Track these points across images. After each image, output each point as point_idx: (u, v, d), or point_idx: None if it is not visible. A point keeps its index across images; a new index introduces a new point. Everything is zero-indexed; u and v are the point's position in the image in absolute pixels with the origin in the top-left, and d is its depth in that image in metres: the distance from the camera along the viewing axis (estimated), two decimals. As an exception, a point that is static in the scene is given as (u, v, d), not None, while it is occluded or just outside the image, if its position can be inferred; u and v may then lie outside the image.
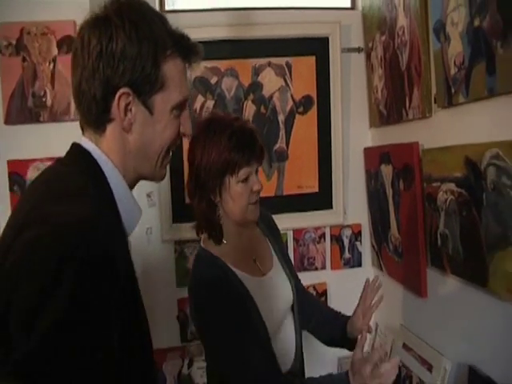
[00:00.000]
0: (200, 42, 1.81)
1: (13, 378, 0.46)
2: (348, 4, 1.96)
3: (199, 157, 0.99)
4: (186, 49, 0.68)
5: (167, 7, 1.95)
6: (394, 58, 1.61)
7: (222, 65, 1.83)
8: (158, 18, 0.66)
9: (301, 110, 1.92)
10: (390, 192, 1.73)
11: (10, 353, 0.47)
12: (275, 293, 1.09)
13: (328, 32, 1.82)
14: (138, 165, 0.69)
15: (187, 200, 1.44)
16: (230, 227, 1.07)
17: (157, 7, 1.91)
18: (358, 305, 1.23)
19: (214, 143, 0.97)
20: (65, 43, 1.64)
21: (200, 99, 1.84)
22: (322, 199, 1.98)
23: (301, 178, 1.97)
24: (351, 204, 2.01)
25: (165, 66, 0.64)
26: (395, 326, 1.71)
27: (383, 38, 1.68)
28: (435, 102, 1.38)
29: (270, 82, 1.88)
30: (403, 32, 1.50)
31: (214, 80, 1.84)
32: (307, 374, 1.19)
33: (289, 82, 1.89)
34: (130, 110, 0.64)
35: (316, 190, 1.98)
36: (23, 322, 0.48)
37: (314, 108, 1.92)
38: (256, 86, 1.88)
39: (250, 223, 1.11)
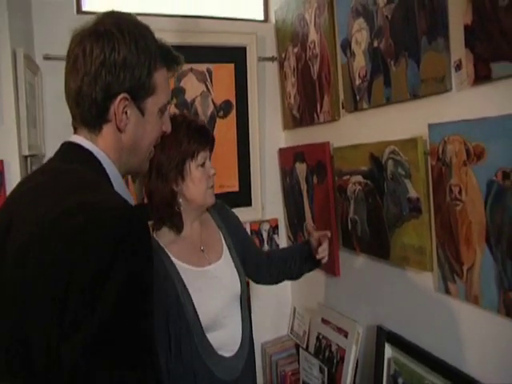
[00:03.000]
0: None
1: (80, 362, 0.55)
2: (261, 17, 2.19)
3: (159, 151, 1.07)
4: (171, 60, 0.81)
5: (84, 8, 1.99)
6: (305, 67, 1.87)
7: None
8: (149, 32, 0.78)
9: (221, 114, 2.09)
10: (304, 187, 1.99)
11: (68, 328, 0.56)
12: (219, 283, 1.19)
13: (246, 42, 2.03)
14: (128, 160, 0.79)
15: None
16: (187, 216, 1.19)
17: (74, 7, 1.93)
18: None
19: (173, 137, 1.07)
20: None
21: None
22: (242, 197, 2.16)
23: (222, 178, 2.12)
24: (268, 200, 2.24)
25: (155, 74, 0.76)
26: (314, 305, 1.97)
27: (296, 49, 1.93)
28: (343, 108, 1.66)
29: (192, 87, 2.02)
30: (314, 46, 1.77)
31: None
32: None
33: (210, 87, 2.05)
34: (126, 112, 0.73)
35: (236, 188, 2.17)
36: (85, 300, 0.56)
37: (233, 112, 2.11)
38: (179, 91, 2.00)
39: (207, 207, 1.24)
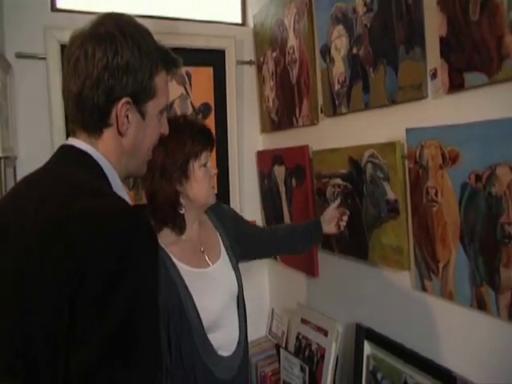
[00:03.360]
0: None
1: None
2: (239, 20, 2.24)
3: (163, 153, 1.13)
4: (170, 63, 0.82)
5: (58, 5, 1.97)
6: (284, 72, 1.92)
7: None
8: (149, 35, 0.79)
9: (200, 116, 2.12)
10: (282, 189, 2.05)
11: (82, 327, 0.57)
12: (218, 283, 1.23)
13: (225, 45, 2.07)
14: (128, 164, 0.80)
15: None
16: (189, 216, 1.22)
17: (48, 4, 1.92)
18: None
19: (177, 138, 1.13)
20: None
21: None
22: (220, 200, 2.18)
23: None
24: (246, 202, 2.28)
25: (156, 77, 0.77)
26: (293, 306, 2.02)
27: (274, 54, 1.99)
28: (322, 112, 1.72)
29: (171, 89, 2.01)
30: (293, 51, 1.83)
31: (115, 84, 1.93)
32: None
33: (189, 90, 2.08)
34: (127, 116, 0.74)
35: (215, 191, 2.19)
36: (98, 303, 0.57)
37: (212, 115, 2.14)
38: (157, 93, 2.01)
39: (207, 207, 1.29)
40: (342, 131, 1.63)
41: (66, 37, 1.81)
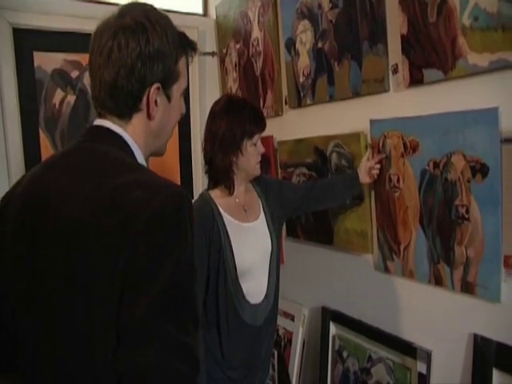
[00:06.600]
0: (59, 33, 1.87)
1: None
2: (200, 11, 2.29)
3: (224, 127, 1.34)
4: (189, 47, 0.87)
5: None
6: (248, 64, 2.01)
7: (84, 58, 1.92)
8: (171, 22, 0.84)
9: (162, 106, 2.15)
10: (247, 180, 2.13)
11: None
12: (254, 238, 1.43)
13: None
14: (153, 144, 0.86)
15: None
16: (237, 181, 1.42)
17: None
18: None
19: (236, 117, 1.35)
20: None
21: (59, 94, 1.90)
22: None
23: (163, 175, 2.19)
24: (209, 194, 2.34)
25: (179, 61, 0.83)
26: (258, 294, 2.12)
27: (238, 45, 2.07)
28: (286, 103, 1.83)
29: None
30: (258, 43, 1.92)
31: (74, 74, 1.93)
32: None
33: (150, 79, 2.10)
34: (156, 101, 0.80)
35: (178, 184, 2.25)
36: (151, 268, 0.65)
37: (175, 105, 2.18)
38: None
39: (253, 177, 1.46)
40: (306, 122, 1.74)
41: (19, 19, 1.80)
